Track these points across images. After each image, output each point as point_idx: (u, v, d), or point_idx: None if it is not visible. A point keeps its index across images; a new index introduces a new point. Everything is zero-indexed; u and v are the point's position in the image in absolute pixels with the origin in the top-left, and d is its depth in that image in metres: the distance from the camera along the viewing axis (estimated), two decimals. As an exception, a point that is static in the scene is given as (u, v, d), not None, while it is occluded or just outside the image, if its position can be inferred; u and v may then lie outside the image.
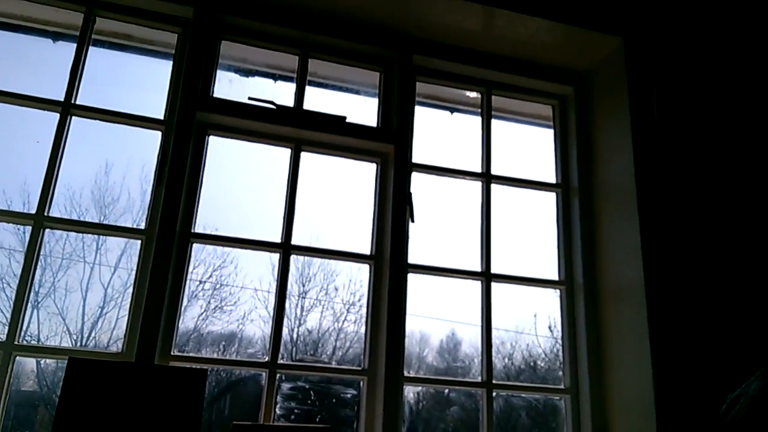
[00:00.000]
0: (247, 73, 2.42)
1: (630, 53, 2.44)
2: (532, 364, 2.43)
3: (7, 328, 1.87)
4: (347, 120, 2.35)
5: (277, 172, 2.28)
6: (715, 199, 2.30)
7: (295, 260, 2.21)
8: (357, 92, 2.52)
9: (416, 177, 2.41)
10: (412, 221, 2.33)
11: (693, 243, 2.22)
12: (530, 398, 2.40)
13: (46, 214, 1.99)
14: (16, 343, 1.86)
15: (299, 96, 2.36)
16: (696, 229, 2.24)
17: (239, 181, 2.26)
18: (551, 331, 2.44)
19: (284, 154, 2.31)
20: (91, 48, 2.22)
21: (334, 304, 2.23)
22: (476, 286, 2.37)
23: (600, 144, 2.51)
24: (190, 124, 2.14)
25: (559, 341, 2.43)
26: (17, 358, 1.87)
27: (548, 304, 2.45)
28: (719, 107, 2.44)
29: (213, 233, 2.13)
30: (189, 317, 2.01)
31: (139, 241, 2.04)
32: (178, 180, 2.07)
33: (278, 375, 2.04)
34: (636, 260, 2.20)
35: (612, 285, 2.32)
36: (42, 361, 1.99)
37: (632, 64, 2.42)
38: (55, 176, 2.04)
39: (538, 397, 2.40)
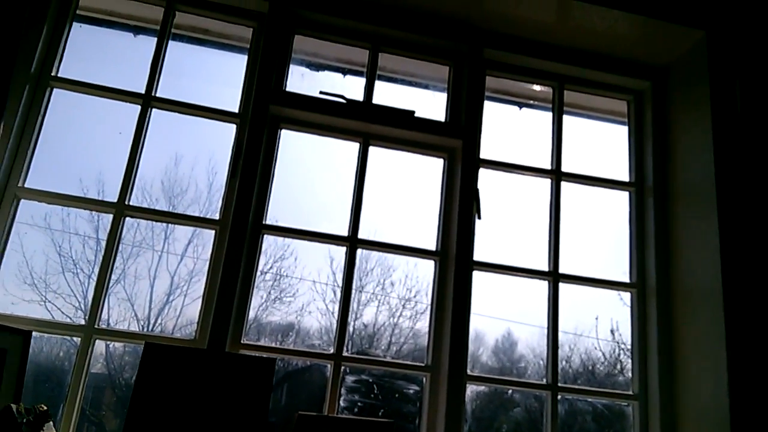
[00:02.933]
0: (318, 67, 2.44)
1: (713, 47, 2.32)
2: (590, 367, 2.37)
3: (84, 312, 1.97)
4: (416, 114, 2.34)
5: (345, 165, 2.30)
6: None
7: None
8: (426, 87, 2.51)
9: (484, 173, 2.38)
10: (479, 218, 2.31)
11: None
12: (596, 402, 2.34)
13: (126, 203, 2.08)
14: (95, 327, 1.96)
15: (369, 90, 2.37)
16: None
17: (308, 174, 2.29)
18: (613, 334, 2.37)
19: (353, 148, 2.33)
20: (170, 42, 2.29)
21: (390, 300, 2.24)
22: (536, 285, 2.32)
23: (678, 141, 2.41)
24: (264, 117, 2.18)
25: (621, 345, 2.36)
26: (95, 341, 1.96)
27: (611, 307, 2.38)
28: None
29: (282, 225, 2.17)
30: (251, 307, 2.06)
31: (213, 231, 2.10)
32: (251, 172, 2.11)
33: (342, 367, 2.07)
34: (713, 262, 2.11)
35: (687, 288, 2.23)
36: (111, 345, 2.08)
37: (715, 58, 2.31)
38: (135, 166, 2.12)
39: (604, 401, 2.34)
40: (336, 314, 2.12)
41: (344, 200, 2.25)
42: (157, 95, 2.21)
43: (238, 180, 2.10)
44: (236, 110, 2.24)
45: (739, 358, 1.97)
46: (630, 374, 2.31)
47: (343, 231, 2.22)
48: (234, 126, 2.23)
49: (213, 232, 2.11)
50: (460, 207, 2.26)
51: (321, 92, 2.31)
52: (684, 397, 2.14)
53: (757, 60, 2.32)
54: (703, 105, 2.30)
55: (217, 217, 2.13)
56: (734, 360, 1.97)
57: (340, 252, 2.19)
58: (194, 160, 2.18)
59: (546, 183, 2.45)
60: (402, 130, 2.32)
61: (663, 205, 2.41)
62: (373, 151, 2.34)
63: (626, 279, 2.40)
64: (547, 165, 2.46)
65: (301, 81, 2.35)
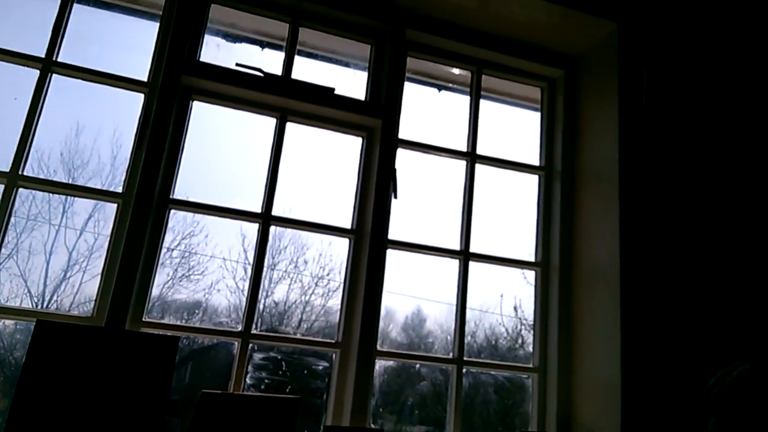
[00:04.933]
0: (235, 38, 2.38)
1: (623, 39, 2.42)
2: (494, 342, 2.48)
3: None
4: (336, 92, 2.33)
5: (261, 141, 2.27)
6: (697, 189, 2.32)
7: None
8: (347, 65, 2.49)
9: (401, 153, 2.41)
10: (395, 197, 2.34)
11: (672, 231, 2.24)
12: (498, 375, 2.45)
13: (20, 173, 1.97)
14: (-14, 301, 1.87)
15: (288, 65, 2.33)
16: (676, 218, 2.27)
17: (222, 149, 2.25)
18: (516, 311, 2.48)
19: (269, 123, 2.30)
20: (75, 5, 2.17)
21: (303, 278, 2.26)
22: (447, 263, 2.39)
23: (586, 128, 2.51)
24: (175, 87, 2.12)
25: (523, 321, 2.47)
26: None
27: (515, 285, 2.49)
28: (709, 98, 2.44)
29: (193, 200, 2.12)
30: (155, 284, 2.02)
31: (116, 205, 2.03)
32: (159, 144, 2.05)
33: (250, 345, 2.07)
34: (613, 245, 2.22)
35: (587, 267, 2.35)
36: (1, 323, 1.99)
37: (624, 50, 2.41)
38: (31, 135, 2.01)
39: (506, 374, 2.45)
40: (246, 292, 2.12)
41: (259, 176, 2.23)
42: (59, 60, 2.10)
43: (145, 152, 2.04)
44: (145, 79, 2.16)
45: (632, 336, 2.10)
46: (531, 348, 2.43)
47: (257, 207, 2.20)
48: (142, 96, 2.14)
49: (115, 206, 2.03)
50: (376, 186, 2.29)
51: (237, 64, 2.25)
52: (580, 370, 2.28)
53: (664, 54, 2.43)
54: (611, 95, 2.39)
55: (120, 190, 2.06)
56: (628, 337, 2.09)
57: (252, 229, 2.18)
58: (98, 130, 2.09)
59: (461, 165, 2.50)
60: (321, 107, 2.30)
61: (569, 189, 2.52)
62: (290, 127, 2.31)
63: (532, 258, 2.51)
64: (463, 147, 2.51)
65: (217, 52, 2.29)
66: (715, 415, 0.72)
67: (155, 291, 2.02)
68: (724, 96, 2.47)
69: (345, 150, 2.40)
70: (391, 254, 2.31)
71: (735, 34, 2.55)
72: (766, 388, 0.70)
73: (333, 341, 2.18)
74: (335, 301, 2.24)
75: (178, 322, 2.07)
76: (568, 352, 2.34)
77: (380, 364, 2.31)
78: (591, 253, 2.34)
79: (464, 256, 2.39)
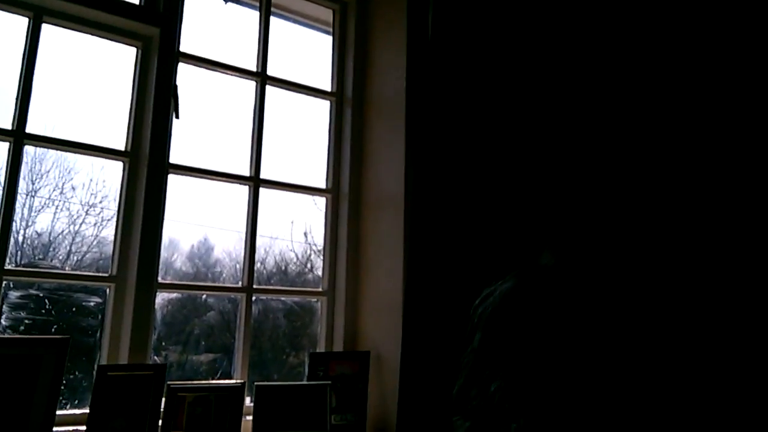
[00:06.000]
0: None
1: (412, -31, 2.43)
2: (284, 268, 2.49)
3: None
4: (102, -8, 2.02)
5: (10, 45, 1.90)
6: (483, 120, 2.41)
7: (24, 154, 1.91)
8: (116, -40, 2.17)
9: (184, 68, 2.21)
10: (177, 117, 2.15)
11: (457, 159, 2.31)
12: (288, 300, 2.47)
13: None
14: None
15: (39, -47, 1.96)
16: (461, 147, 2.34)
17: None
18: (306, 236, 2.50)
19: (20, 23, 1.93)
20: None
21: (71, 205, 2.01)
22: (236, 189, 2.31)
23: (376, 56, 2.53)
24: None
25: (313, 246, 2.51)
26: None
27: (306, 211, 2.50)
28: (498, 36, 2.56)
29: None
30: None
31: None
32: None
33: (4, 282, 1.80)
34: (399, 172, 2.31)
35: (375, 194, 2.42)
36: None
37: (412, -19, 2.43)
38: None
39: (296, 299, 2.48)
40: (-4, 222, 1.81)
41: (9, 86, 1.88)
42: None
43: None
44: None
45: (415, 257, 2.17)
46: (320, 273, 2.48)
47: (6, 124, 1.87)
48: None
49: None
50: (155, 104, 2.08)
51: (-30, -55, 1.83)
52: (366, 291, 2.38)
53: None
54: (400, 25, 2.42)
55: None
56: (411, 258, 2.17)
57: (1, 149, 1.85)
58: None
59: (251, 85, 2.38)
60: (85, 8, 1.99)
61: (359, 116, 2.54)
62: (49, 30, 1.97)
63: (322, 185, 2.52)
64: (252, 67, 2.38)
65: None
66: (481, 331, 0.78)
67: None
68: (513, 39, 2.61)
69: (117, 61, 2.12)
70: (175, 180, 2.14)
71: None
72: (526, 305, 0.76)
73: (107, 275, 1.99)
74: (110, 231, 2.03)
75: None
76: (356, 275, 2.43)
77: (165, 296, 2.18)
78: (379, 180, 2.41)
79: (254, 182, 2.31)
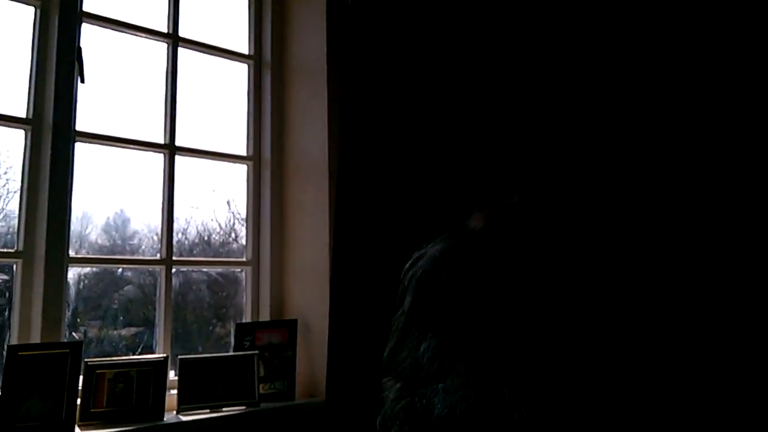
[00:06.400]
0: None
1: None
2: (206, 238, 2.43)
3: None
4: (-10, -57, 1.85)
5: None
6: (410, 81, 2.37)
7: None
8: None
9: (88, 30, 2.07)
10: (82, 81, 2.02)
11: (383, 122, 2.28)
12: (211, 271, 2.41)
13: None
14: None
15: None
16: (387, 110, 2.31)
17: None
18: (229, 205, 2.44)
19: None
20: None
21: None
22: (152, 158, 2.21)
23: (296, 19, 2.46)
24: None
25: (236, 215, 2.46)
26: None
27: (228, 179, 2.43)
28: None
29: None
30: None
31: None
32: None
33: None
34: (322, 138, 2.28)
35: (298, 161, 2.39)
36: None
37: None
38: None
39: (219, 270, 2.43)
40: None
41: None
42: None
43: None
44: None
45: (342, 223, 2.15)
46: (244, 242, 2.43)
47: None
48: None
49: None
50: (58, 68, 1.95)
51: None
52: (293, 260, 2.36)
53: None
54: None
55: None
56: (338, 224, 2.14)
57: None
58: None
59: (162, 48, 2.26)
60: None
61: (279, 80, 2.48)
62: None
63: (243, 152, 2.45)
64: (163, 28, 2.26)
65: None
66: (411, 293, 0.79)
67: None
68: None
69: (15, 21, 1.96)
70: (85, 149, 2.03)
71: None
72: (455, 265, 0.78)
73: (12, 250, 1.87)
74: (17, 203, 1.90)
75: None
76: (281, 243, 2.40)
77: (79, 271, 2.08)
78: (302, 146, 2.37)
79: (170, 150, 2.21)
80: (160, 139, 2.21)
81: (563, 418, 0.65)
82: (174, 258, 2.18)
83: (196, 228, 2.37)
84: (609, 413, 0.68)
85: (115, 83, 2.15)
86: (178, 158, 2.23)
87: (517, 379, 0.66)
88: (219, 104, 2.45)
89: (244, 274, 2.41)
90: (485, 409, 0.68)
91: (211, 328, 2.41)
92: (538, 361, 0.68)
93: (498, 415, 0.67)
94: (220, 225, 2.43)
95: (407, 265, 0.78)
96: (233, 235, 2.46)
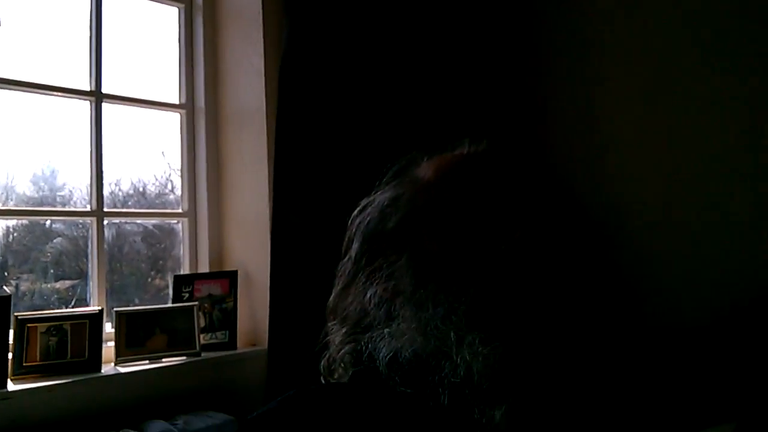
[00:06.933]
0: None
1: None
2: (141, 189, 2.36)
3: None
4: None
5: None
6: (351, 26, 2.26)
7: None
8: None
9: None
10: (-2, 24, 1.89)
11: (323, 69, 2.15)
12: (146, 223, 2.36)
13: None
14: None
15: None
16: (326, 59, 2.19)
17: None
18: (164, 155, 2.37)
19: None
20: None
21: None
22: (79, 107, 2.11)
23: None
24: None
25: (171, 166, 2.39)
26: None
27: (161, 128, 2.36)
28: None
29: None
30: None
31: None
32: None
33: None
34: (259, 85, 2.21)
35: (234, 109, 2.32)
36: None
37: None
38: None
39: (155, 221, 2.37)
40: None
41: None
42: None
43: None
44: None
45: (282, 172, 2.09)
46: (180, 193, 2.38)
47: None
48: None
49: None
50: (-32, 7, 1.80)
51: None
52: (231, 210, 2.33)
53: None
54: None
55: None
56: (277, 173, 2.09)
57: None
58: None
59: (84, -13, 2.12)
60: None
61: (211, 25, 2.39)
62: None
63: (176, 101, 2.36)
64: (84, -35, 2.12)
65: None
66: (358, 240, 0.81)
67: None
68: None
69: None
70: (5, 97, 1.91)
71: None
72: (403, 215, 0.80)
73: (-72, 204, 1.77)
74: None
75: None
76: (219, 194, 2.36)
77: (6, 224, 2.00)
78: (238, 94, 2.31)
79: (96, 97, 2.11)
80: (85, 86, 2.10)
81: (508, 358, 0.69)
82: (105, 209, 2.11)
83: (131, 180, 2.30)
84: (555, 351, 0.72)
85: (35, 27, 2.02)
86: (106, 106, 2.13)
87: (464, 322, 0.69)
88: (150, 51, 2.34)
89: (180, 225, 2.36)
90: (431, 353, 0.71)
91: (149, 280, 2.37)
92: (485, 306, 0.71)
93: (444, 358, 0.70)
94: (155, 176, 2.36)
95: (355, 212, 0.79)
96: (169, 186, 2.40)
